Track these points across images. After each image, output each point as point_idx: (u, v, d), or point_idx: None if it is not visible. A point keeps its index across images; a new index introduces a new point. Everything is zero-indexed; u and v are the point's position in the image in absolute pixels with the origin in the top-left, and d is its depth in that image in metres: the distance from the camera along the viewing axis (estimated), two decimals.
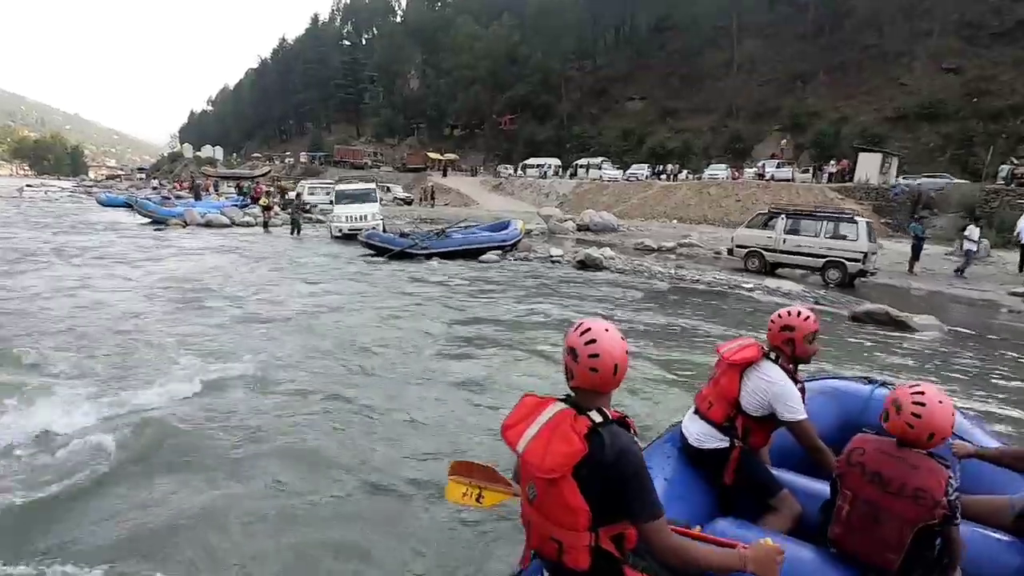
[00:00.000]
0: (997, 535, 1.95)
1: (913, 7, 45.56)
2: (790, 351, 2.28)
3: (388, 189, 32.01)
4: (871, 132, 37.90)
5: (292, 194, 27.85)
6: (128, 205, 23.62)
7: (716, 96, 51.33)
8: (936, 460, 1.72)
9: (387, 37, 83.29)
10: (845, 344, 6.65)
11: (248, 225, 20.09)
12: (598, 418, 1.42)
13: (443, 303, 8.13)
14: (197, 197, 29.12)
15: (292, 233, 17.62)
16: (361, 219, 16.44)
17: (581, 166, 43.59)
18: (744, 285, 9.75)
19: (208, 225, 19.07)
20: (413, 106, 71.76)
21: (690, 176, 35.92)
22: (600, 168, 40.16)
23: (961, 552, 1.73)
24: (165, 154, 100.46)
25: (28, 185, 57.79)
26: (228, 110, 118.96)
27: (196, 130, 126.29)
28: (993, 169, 27.30)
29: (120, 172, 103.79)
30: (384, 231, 15.11)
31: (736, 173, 33.42)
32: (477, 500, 1.89)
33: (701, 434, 2.34)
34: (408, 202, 35.38)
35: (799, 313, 2.32)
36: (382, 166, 55.67)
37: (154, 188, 42.60)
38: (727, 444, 2.29)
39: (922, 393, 1.73)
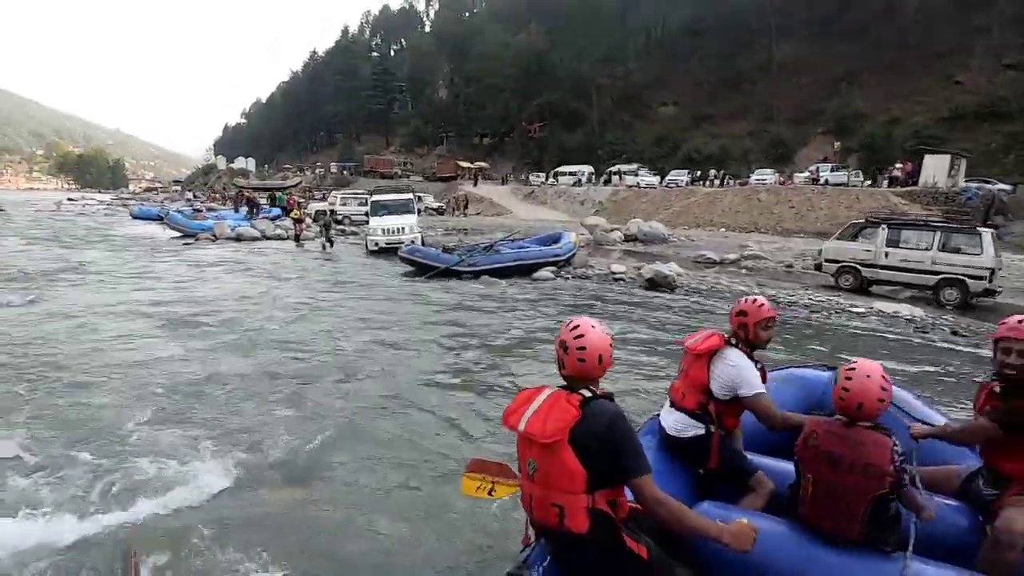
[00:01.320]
0: (946, 501, 2.16)
1: (968, 2, 43.11)
2: (744, 335, 2.43)
3: (420, 198, 31.21)
4: (926, 133, 35.71)
5: (314, 207, 27.06)
6: (160, 218, 23.09)
7: (754, 99, 49.68)
8: (880, 431, 1.87)
9: (415, 47, 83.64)
10: None
11: (280, 238, 19.22)
12: (588, 393, 1.65)
13: (507, 337, 6.89)
14: (251, 210, 28.32)
15: (324, 248, 16.74)
16: (399, 232, 15.35)
17: (615, 173, 42.32)
18: (853, 309, 8.24)
19: (238, 239, 18.25)
20: (442, 115, 71.67)
21: (731, 182, 34.26)
22: (637, 175, 38.72)
23: (926, 512, 1.87)
24: (200, 166, 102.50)
25: (69, 199, 59.23)
26: (261, 123, 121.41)
27: (230, 143, 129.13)
28: None
29: (158, 185, 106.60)
30: (423, 244, 14.01)
31: (783, 179, 31.66)
32: (489, 493, 2.02)
33: (678, 424, 2.46)
34: (440, 211, 34.54)
35: (754, 301, 2.47)
36: (411, 175, 55.25)
37: (188, 200, 42.82)
38: (703, 430, 2.39)
39: (852, 369, 1.93)
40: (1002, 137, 33.58)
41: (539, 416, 1.62)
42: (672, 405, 2.54)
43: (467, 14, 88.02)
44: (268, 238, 18.98)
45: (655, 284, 9.87)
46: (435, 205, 35.30)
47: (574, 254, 12.28)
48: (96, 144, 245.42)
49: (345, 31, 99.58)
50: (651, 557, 1.67)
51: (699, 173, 37.39)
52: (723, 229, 26.40)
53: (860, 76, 45.19)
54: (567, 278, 11.14)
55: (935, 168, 25.66)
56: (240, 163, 71.75)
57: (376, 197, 17.16)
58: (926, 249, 9.54)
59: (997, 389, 2.15)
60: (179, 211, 22.93)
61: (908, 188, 25.75)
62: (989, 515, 2.06)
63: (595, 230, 19.01)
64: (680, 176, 35.53)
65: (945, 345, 6.81)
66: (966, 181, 25.75)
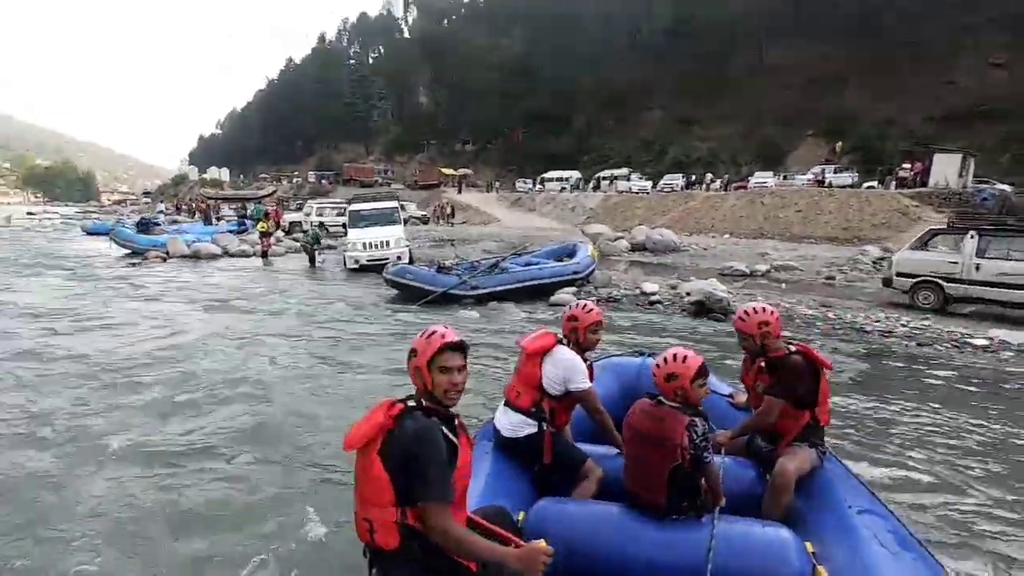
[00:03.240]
0: (738, 460, 2.55)
1: (953, 3, 42.82)
2: (575, 339, 2.62)
3: (403, 207, 29.23)
4: (920, 134, 35.01)
5: (288, 218, 25.40)
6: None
7: (742, 102, 48.82)
8: (684, 412, 2.05)
9: (394, 54, 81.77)
10: None
11: (245, 255, 16.95)
12: (412, 404, 1.60)
13: None
14: (207, 221, 27.03)
15: (311, 265, 14.56)
16: (383, 246, 13.25)
17: (604, 178, 41.09)
18: (971, 341, 6.40)
19: (195, 257, 15.94)
20: (423, 122, 69.90)
21: (726, 186, 33.05)
22: (628, 179, 37.31)
23: (718, 481, 2.13)
24: (170, 178, 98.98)
25: (29, 212, 55.90)
26: (236, 133, 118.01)
27: (205, 153, 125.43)
28: None
29: (130, 196, 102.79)
30: (412, 261, 11.94)
31: (778, 181, 30.43)
32: None
33: (513, 424, 2.53)
34: (424, 220, 32.57)
35: (584, 306, 2.68)
36: (392, 183, 53.20)
37: (159, 212, 40.28)
38: (536, 428, 2.50)
39: (674, 355, 2.14)
40: (996, 137, 32.96)
41: (356, 426, 1.58)
42: (507, 405, 2.62)
43: (446, 21, 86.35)
44: (231, 255, 16.65)
45: (705, 309, 7.78)
46: (419, 214, 33.34)
47: (593, 270, 10.33)
48: (66, 157, 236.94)
49: (322, 38, 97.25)
50: (480, 566, 1.63)
51: (694, 177, 36.12)
52: (727, 235, 24.95)
53: (849, 76, 44.62)
54: (591, 300, 9.02)
55: (946, 167, 24.50)
56: (213, 173, 68.73)
57: (355, 206, 14.98)
58: None
59: (763, 364, 2.64)
60: (127, 225, 20.49)
61: (917, 189, 24.57)
62: (769, 466, 2.45)
63: (599, 239, 17.19)
64: (675, 180, 34.13)
65: None
66: (979, 180, 24.70)
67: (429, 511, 1.50)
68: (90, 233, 24.63)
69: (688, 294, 8.26)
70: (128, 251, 16.60)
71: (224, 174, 69.17)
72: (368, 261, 13.09)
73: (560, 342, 2.57)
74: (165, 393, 5.08)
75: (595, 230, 18.70)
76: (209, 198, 35.07)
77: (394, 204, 15.34)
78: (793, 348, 2.52)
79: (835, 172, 28.14)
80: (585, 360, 2.56)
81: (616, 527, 2.02)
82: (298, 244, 17.87)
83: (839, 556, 1.90)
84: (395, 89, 75.13)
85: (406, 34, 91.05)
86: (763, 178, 30.34)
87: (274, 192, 42.00)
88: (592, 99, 58.97)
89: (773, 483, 2.32)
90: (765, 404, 2.51)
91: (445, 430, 1.58)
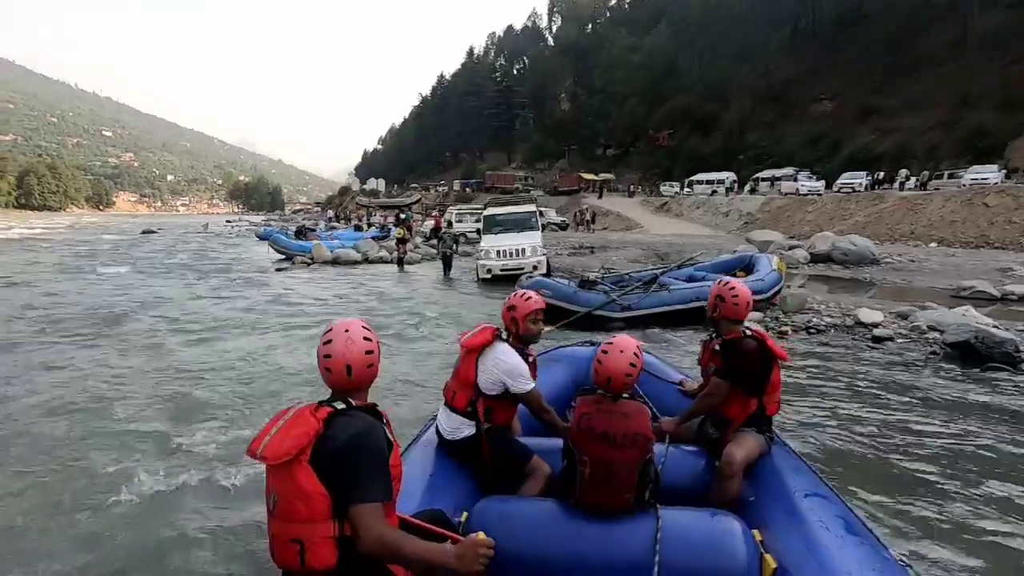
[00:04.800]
0: (687, 448, 2.52)
1: None
2: (515, 330, 2.44)
3: (541, 213, 28.22)
4: None
5: (428, 224, 25.77)
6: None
7: (940, 86, 40.69)
8: (638, 400, 2.06)
9: (538, 63, 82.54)
10: None
11: (383, 261, 17.01)
12: (341, 406, 1.48)
13: None
14: (358, 228, 29.02)
15: (446, 273, 13.89)
16: (518, 254, 12.00)
17: (764, 179, 36.66)
18: None
19: (336, 262, 16.32)
20: (564, 129, 69.69)
21: (923, 184, 27.37)
22: (795, 179, 32.72)
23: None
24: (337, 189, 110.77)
25: (227, 221, 65.56)
26: (394, 147, 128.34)
27: (368, 167, 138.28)
28: None
29: (307, 206, 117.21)
30: (549, 273, 10.57)
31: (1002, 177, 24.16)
32: None
33: (451, 425, 2.39)
34: (563, 227, 31.34)
35: (523, 294, 2.50)
36: (533, 190, 53.04)
37: (328, 219, 44.49)
38: (474, 430, 2.34)
39: (611, 344, 2.09)
40: None
41: (279, 436, 1.41)
42: (446, 405, 2.48)
43: (590, 26, 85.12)
44: (370, 261, 16.80)
45: (973, 354, 5.15)
46: (557, 220, 32.19)
47: (780, 289, 8.01)
48: (261, 173, 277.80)
49: (470, 52, 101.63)
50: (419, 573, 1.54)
51: (881, 174, 30.60)
52: (933, 244, 20.31)
53: None
54: (780, 333, 6.75)
55: None
56: (371, 184, 74.67)
57: (490, 211, 13.96)
58: None
59: (717, 347, 2.54)
60: (287, 232, 22.08)
61: None
62: (718, 453, 2.35)
63: (769, 247, 14.44)
64: (857, 179, 29.08)
65: None
66: None
67: (365, 515, 1.38)
68: (261, 238, 27.29)
69: (934, 328, 5.70)
70: (282, 256, 17.61)
71: (381, 184, 74.76)
72: (502, 271, 11.92)
73: (499, 336, 2.42)
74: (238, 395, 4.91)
75: (764, 237, 15.84)
76: (361, 206, 37.46)
77: (531, 208, 14.05)
78: (749, 333, 2.49)
79: None
80: (528, 354, 2.44)
81: (560, 524, 1.95)
82: (434, 251, 17.65)
83: (786, 543, 1.91)
84: (538, 98, 75.68)
85: (550, 42, 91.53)
86: (983, 172, 24.43)
87: (419, 200, 43.97)
88: (747, 94, 53.75)
89: (721, 470, 2.28)
90: (712, 385, 2.51)
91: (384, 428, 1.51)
